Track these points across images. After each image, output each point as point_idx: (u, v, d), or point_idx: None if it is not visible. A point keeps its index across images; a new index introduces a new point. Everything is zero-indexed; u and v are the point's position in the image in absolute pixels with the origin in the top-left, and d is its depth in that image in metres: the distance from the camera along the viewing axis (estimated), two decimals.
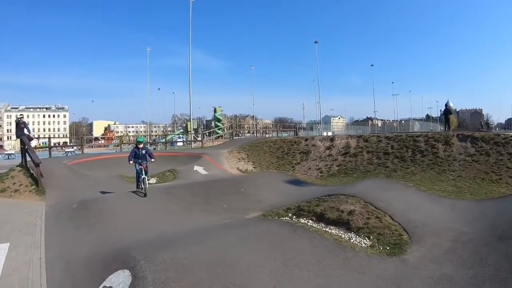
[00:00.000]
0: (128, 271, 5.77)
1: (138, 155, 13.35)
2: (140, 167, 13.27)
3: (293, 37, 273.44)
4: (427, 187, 13.63)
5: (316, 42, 70.11)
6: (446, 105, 28.24)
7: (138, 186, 13.50)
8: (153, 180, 17.26)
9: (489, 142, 17.73)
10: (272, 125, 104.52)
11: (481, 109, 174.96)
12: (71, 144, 65.04)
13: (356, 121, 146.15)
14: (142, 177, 13.13)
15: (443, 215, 10.03)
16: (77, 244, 8.31)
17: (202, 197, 12.96)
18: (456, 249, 7.73)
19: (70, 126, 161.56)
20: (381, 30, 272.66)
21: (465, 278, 6.29)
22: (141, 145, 13.53)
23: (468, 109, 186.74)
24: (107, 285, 5.67)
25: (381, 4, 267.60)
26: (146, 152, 13.62)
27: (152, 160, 13.88)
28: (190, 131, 49.53)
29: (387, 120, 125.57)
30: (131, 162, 13.34)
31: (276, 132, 56.14)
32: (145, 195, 12.69)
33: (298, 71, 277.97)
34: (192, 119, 49.68)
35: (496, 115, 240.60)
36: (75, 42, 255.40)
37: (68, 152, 39.58)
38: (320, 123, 74.58)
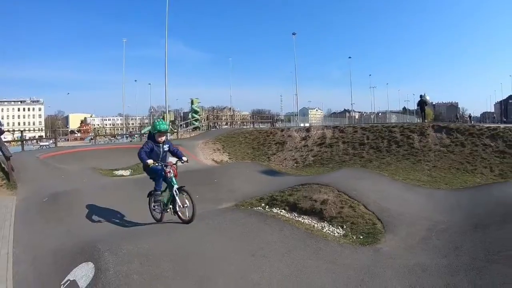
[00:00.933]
0: (92, 263, 5.56)
1: (158, 154, 7.83)
2: (164, 169, 7.72)
3: (272, 28, 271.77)
4: (402, 176, 13.66)
5: (294, 34, 69.62)
6: (421, 96, 28.43)
7: (164, 209, 8.10)
8: (127, 172, 16.83)
9: (464, 133, 18.02)
10: (250, 116, 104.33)
11: (457, 103, 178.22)
12: (46, 137, 63.78)
13: (334, 113, 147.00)
14: (175, 187, 7.61)
15: (418, 205, 10.01)
16: (46, 238, 8.04)
17: None
18: (431, 238, 7.68)
19: (45, 119, 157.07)
20: (359, 22, 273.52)
21: (440, 267, 6.17)
22: (164, 137, 7.93)
23: (444, 102, 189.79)
24: (71, 278, 5.46)
25: None
26: (169, 148, 8.06)
27: (184, 159, 8.03)
28: (168, 124, 49.09)
29: (365, 112, 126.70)
30: (149, 161, 7.52)
31: (253, 124, 56.10)
32: (190, 220, 7.35)
33: (277, 62, 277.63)
34: (169, 111, 49.26)
35: (472, 109, 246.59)
36: (48, 33, 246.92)
37: (43, 145, 38.80)
38: (297, 115, 74.53)
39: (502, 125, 19.78)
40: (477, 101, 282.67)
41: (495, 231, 7.47)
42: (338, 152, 19.82)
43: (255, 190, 12.48)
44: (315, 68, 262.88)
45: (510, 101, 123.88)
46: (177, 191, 7.57)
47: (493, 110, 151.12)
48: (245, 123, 66.86)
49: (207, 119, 58.44)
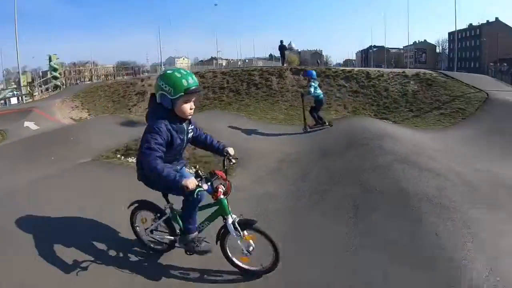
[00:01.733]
0: None
1: (180, 146, 3.86)
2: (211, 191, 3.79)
3: None
4: (259, 116, 14.07)
5: None
6: (281, 41, 29.50)
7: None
8: None
9: (321, 75, 18.98)
10: (114, 69, 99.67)
11: (321, 50, 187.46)
12: None
13: (201, 61, 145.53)
14: (229, 220, 3.81)
15: (270, 140, 10.44)
16: None
17: (30, 154, 11.58)
18: (281, 169, 8.03)
19: None
20: None
21: (287, 193, 6.51)
22: (193, 106, 3.76)
23: (309, 50, 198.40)
24: None
25: None
26: (194, 133, 4.04)
27: (231, 151, 4.00)
28: (24, 85, 44.75)
29: (232, 60, 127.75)
30: (190, 183, 3.26)
31: (114, 77, 53.98)
32: (270, 269, 3.96)
33: (141, 11, 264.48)
34: (25, 71, 45.08)
35: (336, 56, 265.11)
36: None
37: None
38: (163, 64, 72.98)
39: (356, 68, 21.30)
40: (342, 50, 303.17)
41: (339, 159, 8.07)
42: (198, 98, 19.69)
43: (113, 143, 12.05)
44: (182, 16, 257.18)
45: (370, 50, 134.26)
46: (236, 226, 3.86)
47: (355, 58, 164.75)
48: (107, 78, 63.97)
49: (66, 76, 54.54)
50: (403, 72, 19.62)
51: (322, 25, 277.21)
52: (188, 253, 4.20)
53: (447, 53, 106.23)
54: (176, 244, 4.33)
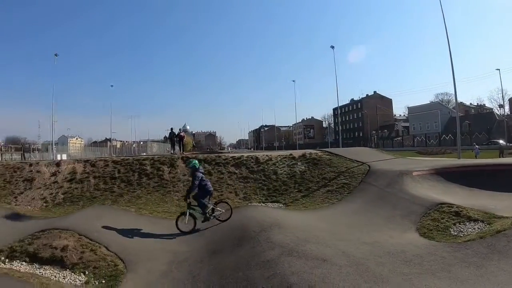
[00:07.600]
0: None
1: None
2: None
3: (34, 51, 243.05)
4: (150, 210, 14.08)
5: (56, 55, 64.81)
6: (171, 129, 30.00)
7: None
8: None
9: (211, 163, 19.74)
10: (2, 146, 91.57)
11: (215, 132, 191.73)
12: None
13: (95, 142, 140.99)
14: None
15: (159, 238, 10.52)
16: None
17: None
18: (172, 271, 8.15)
19: None
20: (120, 51, 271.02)
21: None
22: None
23: (203, 131, 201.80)
24: None
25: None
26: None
27: None
28: None
29: (126, 142, 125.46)
30: None
31: (1, 155, 49.73)
32: None
33: (37, 86, 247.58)
34: None
35: (229, 136, 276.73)
36: None
37: None
38: (53, 143, 68.58)
39: (245, 154, 21.88)
40: (235, 130, 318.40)
41: (228, 256, 8.40)
42: (89, 188, 18.79)
43: None
44: (77, 96, 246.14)
45: (262, 130, 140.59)
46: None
47: (247, 138, 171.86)
48: None
49: None
50: (290, 154, 20.99)
51: (217, 107, 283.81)
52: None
53: (333, 127, 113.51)
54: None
